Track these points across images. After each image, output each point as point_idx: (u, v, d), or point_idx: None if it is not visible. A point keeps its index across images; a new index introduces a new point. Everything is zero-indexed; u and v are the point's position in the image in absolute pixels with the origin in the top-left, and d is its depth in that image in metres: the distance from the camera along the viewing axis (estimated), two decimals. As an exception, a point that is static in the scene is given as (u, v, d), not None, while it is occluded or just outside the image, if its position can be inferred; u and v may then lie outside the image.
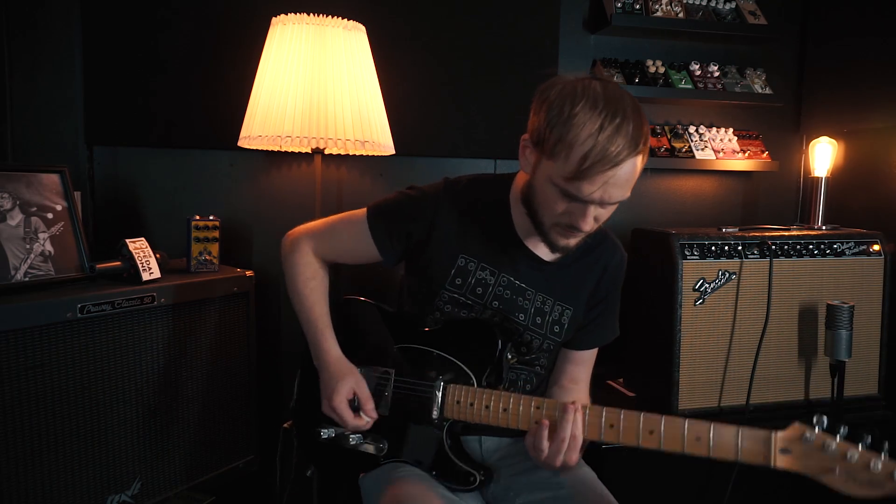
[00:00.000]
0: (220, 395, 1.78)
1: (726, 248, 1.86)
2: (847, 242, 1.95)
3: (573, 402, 1.09)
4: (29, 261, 1.50)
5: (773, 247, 1.88)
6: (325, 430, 1.32)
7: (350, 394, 1.26)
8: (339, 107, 1.72)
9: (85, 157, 1.99)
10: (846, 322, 1.81)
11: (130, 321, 1.56)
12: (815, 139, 2.33)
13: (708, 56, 2.41)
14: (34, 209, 1.55)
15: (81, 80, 1.95)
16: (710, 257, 1.85)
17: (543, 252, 1.30)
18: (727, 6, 2.34)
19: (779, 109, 2.47)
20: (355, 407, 1.27)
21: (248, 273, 1.84)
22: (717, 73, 2.36)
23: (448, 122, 2.19)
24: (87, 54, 1.94)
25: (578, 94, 1.07)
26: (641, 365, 2.01)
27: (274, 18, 1.77)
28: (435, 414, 1.23)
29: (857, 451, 0.95)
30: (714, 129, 2.42)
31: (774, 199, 2.57)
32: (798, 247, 1.91)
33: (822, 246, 1.93)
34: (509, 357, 1.29)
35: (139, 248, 1.64)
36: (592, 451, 1.76)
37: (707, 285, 1.85)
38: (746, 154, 2.39)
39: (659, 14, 2.26)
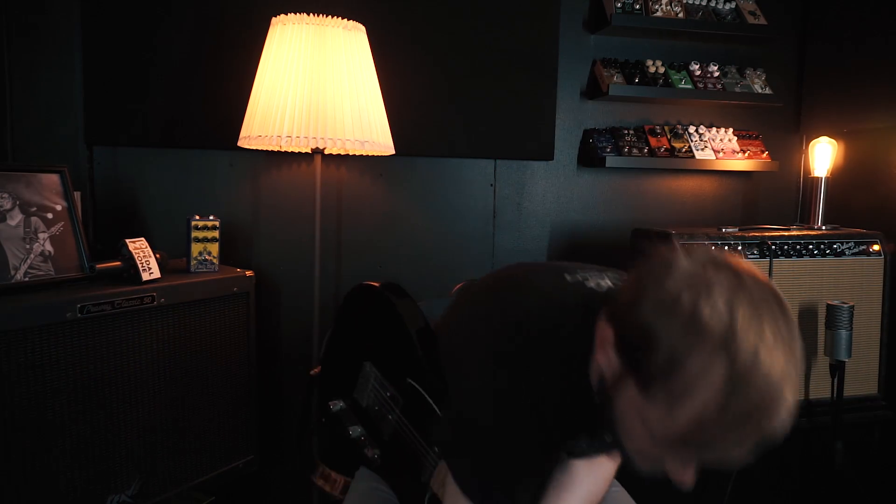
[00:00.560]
0: (219, 395, 1.78)
1: (726, 248, 1.86)
2: (847, 242, 1.94)
3: None
4: (29, 261, 1.50)
5: (773, 247, 1.88)
6: (334, 407, 1.30)
7: None
8: (339, 107, 1.72)
9: (85, 157, 1.99)
10: (846, 322, 1.81)
11: (130, 321, 1.56)
12: (815, 139, 2.33)
13: (708, 56, 2.41)
14: (34, 209, 1.55)
15: (81, 80, 1.95)
16: (709, 257, 1.85)
17: None
18: (727, 6, 2.34)
19: (779, 109, 2.47)
20: None
21: (248, 273, 1.84)
22: (717, 73, 2.36)
23: (448, 122, 2.19)
24: (87, 55, 1.94)
25: (705, 323, 0.69)
26: (641, 365, 2.01)
27: (274, 18, 1.77)
28: (423, 478, 1.08)
29: None
30: (714, 129, 2.42)
31: (774, 199, 2.57)
32: (798, 247, 1.91)
33: (822, 246, 1.93)
34: None
35: (139, 248, 1.64)
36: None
37: (707, 285, 1.85)
38: (746, 154, 2.39)
39: (659, 14, 2.26)
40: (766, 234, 1.92)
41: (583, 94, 2.38)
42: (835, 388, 1.87)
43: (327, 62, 1.72)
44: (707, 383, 0.68)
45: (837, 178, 2.33)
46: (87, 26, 1.93)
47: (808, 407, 1.93)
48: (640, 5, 2.25)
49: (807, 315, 1.93)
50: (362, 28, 1.83)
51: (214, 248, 1.79)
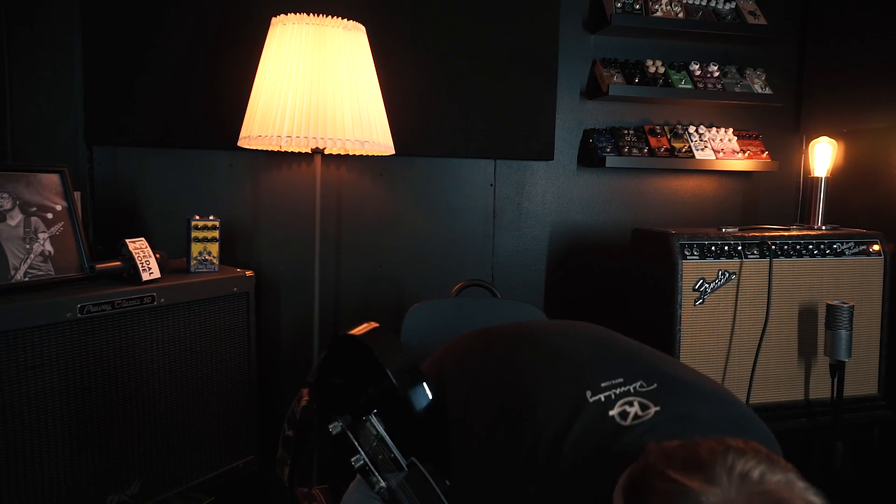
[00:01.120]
0: (220, 395, 1.78)
1: (726, 248, 1.86)
2: (847, 242, 1.94)
3: None
4: (29, 261, 1.50)
5: (773, 247, 1.88)
6: (333, 426, 1.26)
7: None
8: (339, 107, 1.72)
9: (85, 157, 1.99)
10: (846, 322, 1.81)
11: (130, 321, 1.56)
12: (814, 139, 2.32)
13: (708, 56, 2.41)
14: (34, 209, 1.55)
15: (81, 80, 1.95)
16: (709, 257, 1.85)
17: None
18: (727, 6, 2.34)
19: (779, 109, 2.48)
20: None
21: (248, 273, 1.84)
22: (716, 73, 2.36)
23: (448, 122, 2.19)
24: (87, 54, 1.94)
25: None
26: (641, 365, 2.01)
27: (274, 18, 1.77)
28: None
29: None
30: (714, 129, 2.42)
31: (774, 199, 2.57)
32: (798, 247, 1.91)
33: (822, 246, 1.93)
34: None
35: (139, 248, 1.64)
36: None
37: (707, 285, 1.85)
38: (746, 154, 2.39)
39: (659, 14, 2.26)
40: (766, 234, 1.92)
41: (583, 94, 2.38)
42: (835, 388, 1.87)
43: (327, 62, 1.72)
44: None
45: (837, 178, 2.33)
46: (87, 26, 1.93)
47: (808, 407, 1.93)
48: (640, 5, 2.25)
49: (807, 315, 1.93)
50: (362, 28, 1.83)
51: (214, 248, 1.79)
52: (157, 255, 1.67)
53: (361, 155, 2.08)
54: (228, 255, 1.96)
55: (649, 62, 2.31)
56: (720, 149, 2.38)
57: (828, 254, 1.93)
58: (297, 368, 2.18)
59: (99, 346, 1.50)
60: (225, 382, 1.79)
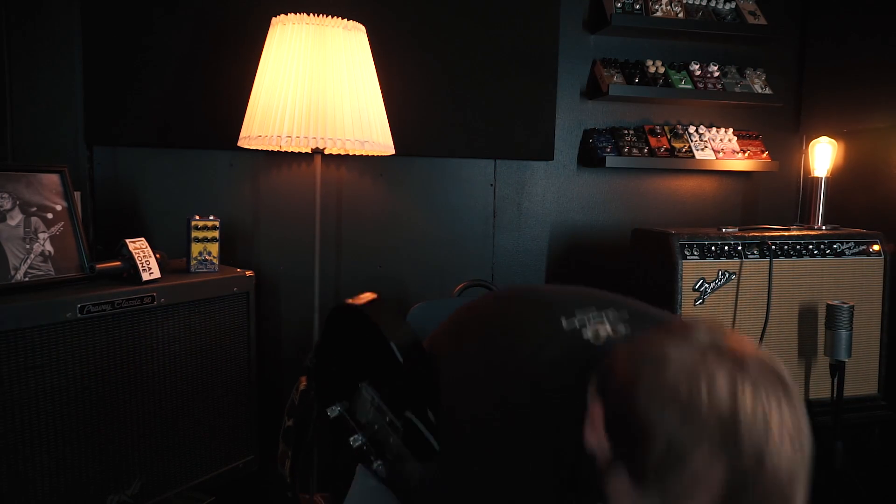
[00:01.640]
0: (220, 395, 1.78)
1: (726, 248, 1.86)
2: (847, 242, 1.94)
3: None
4: (29, 261, 1.50)
5: (773, 247, 1.88)
6: (331, 410, 1.25)
7: None
8: (339, 107, 1.72)
9: (85, 157, 1.99)
10: (846, 322, 1.81)
11: (130, 321, 1.56)
12: (814, 139, 2.33)
13: (708, 56, 2.41)
14: (34, 209, 1.55)
15: (81, 80, 1.95)
16: (709, 257, 1.85)
17: None
18: (727, 6, 2.34)
19: (779, 109, 2.48)
20: None
21: (248, 273, 1.84)
22: (716, 73, 2.36)
23: (448, 122, 2.19)
24: (87, 55, 1.94)
25: (716, 412, 0.64)
26: (641, 365, 2.01)
27: (274, 18, 1.77)
28: None
29: None
30: (714, 129, 2.42)
31: (774, 199, 2.57)
32: (798, 247, 1.91)
33: (822, 246, 1.93)
34: None
35: (139, 248, 1.64)
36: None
37: (707, 285, 1.85)
38: (746, 154, 2.39)
39: (659, 14, 2.26)
40: (766, 234, 1.92)
41: (583, 94, 2.38)
42: (835, 388, 1.86)
43: (327, 62, 1.72)
44: (708, 485, 0.63)
45: (837, 178, 2.33)
46: (87, 26, 1.93)
47: (808, 407, 1.93)
48: (640, 5, 2.25)
49: (807, 315, 1.93)
50: (362, 28, 1.83)
51: (214, 248, 1.79)
52: (157, 255, 1.67)
53: (361, 155, 2.08)
54: (228, 255, 1.96)
55: (649, 62, 2.31)
56: (720, 149, 2.38)
57: (828, 254, 1.93)
58: (297, 368, 2.18)
59: (99, 346, 1.50)
60: (225, 382, 1.79)
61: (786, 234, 1.93)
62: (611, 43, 2.38)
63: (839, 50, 2.37)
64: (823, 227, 2.05)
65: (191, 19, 2.00)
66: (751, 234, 1.91)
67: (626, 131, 2.33)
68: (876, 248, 1.96)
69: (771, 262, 1.87)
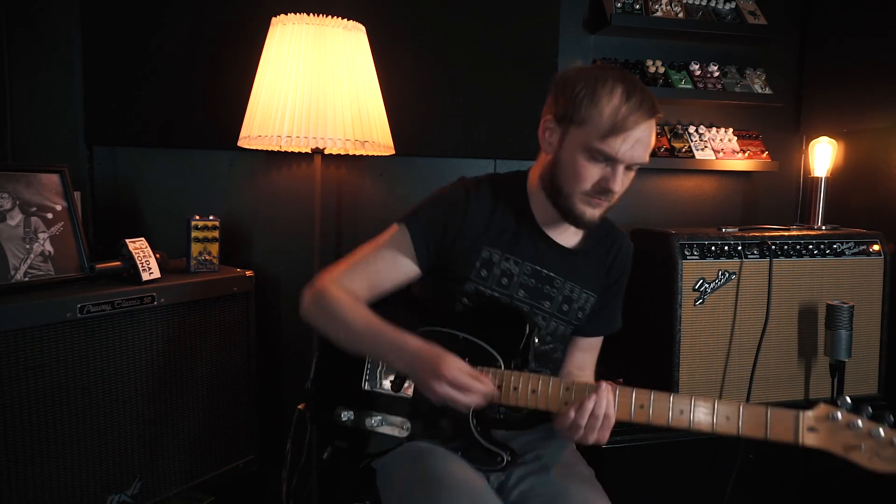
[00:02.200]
0: (219, 395, 1.78)
1: (726, 248, 1.86)
2: (847, 242, 1.95)
3: (606, 382, 1.13)
4: (29, 261, 1.50)
5: (773, 247, 1.88)
6: (345, 413, 1.32)
7: (464, 364, 1.17)
8: (339, 107, 1.72)
9: (85, 157, 1.99)
10: (846, 322, 1.81)
11: (130, 321, 1.56)
12: (815, 139, 2.32)
13: (708, 56, 2.41)
14: (34, 209, 1.55)
15: (81, 80, 1.95)
16: (709, 257, 1.85)
17: (564, 239, 1.36)
18: (727, 6, 2.34)
19: (779, 109, 2.47)
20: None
21: (248, 273, 1.84)
22: (716, 73, 2.36)
23: (448, 122, 2.19)
24: (87, 54, 1.94)
25: (599, 73, 1.23)
26: (641, 365, 2.01)
27: (274, 18, 1.77)
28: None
29: (882, 428, 1.01)
30: (714, 129, 2.42)
31: (774, 199, 2.57)
32: (798, 247, 1.91)
33: (822, 246, 1.93)
34: (536, 342, 1.30)
35: (139, 248, 1.64)
36: (591, 451, 1.76)
37: (707, 285, 1.85)
38: (746, 154, 2.39)
39: (659, 14, 2.26)
40: (766, 234, 1.92)
41: (583, 94, 2.37)
42: (835, 388, 1.87)
43: (327, 62, 1.72)
44: (612, 90, 1.20)
45: (837, 178, 2.33)
46: (87, 26, 1.94)
47: (808, 407, 1.93)
48: (640, 5, 2.25)
49: (807, 315, 1.93)
50: (362, 28, 1.83)
51: (214, 248, 1.80)
52: (157, 255, 1.67)
53: (361, 155, 2.08)
54: (228, 255, 1.96)
55: (649, 62, 2.31)
56: (720, 149, 2.38)
57: (828, 254, 1.93)
58: (297, 368, 2.18)
59: (99, 346, 1.50)
60: (225, 382, 1.79)
61: (786, 234, 1.93)
62: (611, 43, 2.38)
63: (839, 50, 2.37)
64: (823, 227, 2.05)
65: (191, 19, 2.00)
66: (751, 234, 1.91)
67: (626, 131, 2.33)
68: (876, 248, 1.96)
69: (771, 262, 1.87)
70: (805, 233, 1.94)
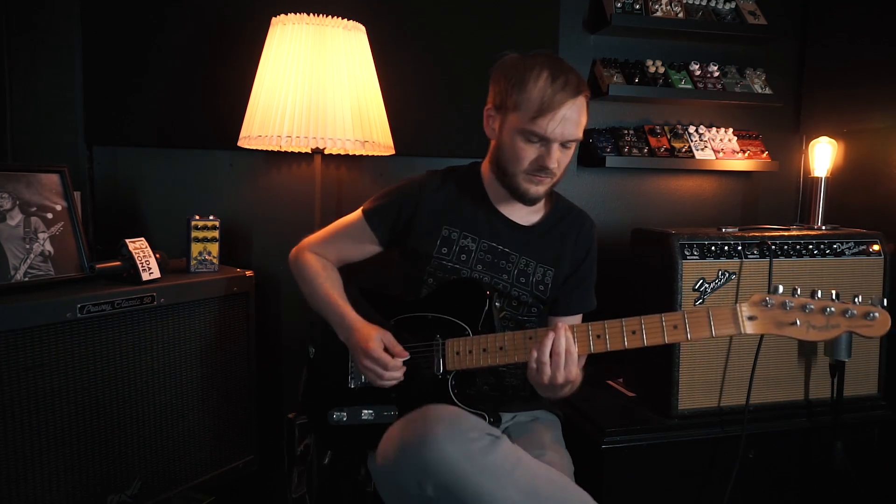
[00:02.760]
0: (219, 395, 1.78)
1: (726, 248, 1.86)
2: (847, 242, 1.94)
3: (560, 323, 1.24)
4: (29, 261, 1.50)
5: (773, 247, 1.88)
6: (337, 413, 1.40)
7: (381, 343, 1.34)
8: (339, 107, 1.72)
9: (85, 157, 1.99)
10: (846, 322, 1.81)
11: (130, 321, 1.56)
12: (815, 139, 2.32)
13: (708, 56, 2.41)
14: (34, 209, 1.55)
15: (81, 80, 1.95)
16: (709, 257, 1.85)
17: (519, 217, 1.49)
18: (727, 6, 2.34)
19: (779, 109, 2.47)
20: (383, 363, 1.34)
21: (248, 273, 1.84)
22: (716, 73, 2.36)
23: (448, 122, 2.19)
24: (87, 54, 1.94)
25: (528, 61, 1.36)
26: (641, 365, 2.01)
27: (274, 18, 1.77)
28: (439, 369, 1.34)
29: (812, 302, 1.12)
30: (714, 129, 2.42)
31: (774, 199, 2.57)
32: (798, 247, 1.91)
33: (822, 246, 1.93)
34: (498, 306, 1.42)
35: (139, 248, 1.64)
36: (591, 451, 1.76)
37: (707, 285, 1.85)
38: (746, 154, 2.39)
39: (659, 14, 2.26)
40: (766, 234, 1.92)
41: (583, 94, 2.37)
42: (835, 388, 1.86)
43: (327, 62, 1.72)
44: (538, 75, 1.32)
45: (837, 178, 2.33)
46: (87, 26, 1.94)
47: (808, 407, 1.93)
48: (640, 5, 2.25)
49: (807, 315, 1.93)
50: (362, 28, 1.83)
51: (214, 248, 1.80)
52: (157, 255, 1.67)
53: (361, 155, 2.08)
54: (228, 255, 1.96)
55: (649, 62, 2.31)
56: (720, 149, 2.38)
57: (828, 254, 1.93)
58: (297, 368, 2.18)
59: (99, 346, 1.50)
60: (225, 382, 1.79)
61: (786, 234, 1.93)
62: (611, 43, 2.38)
63: (839, 50, 2.37)
64: (823, 227, 2.05)
65: (191, 19, 2.00)
66: (751, 234, 1.91)
67: (625, 131, 2.33)
68: (876, 248, 1.96)
69: (771, 262, 1.87)
70: (805, 233, 1.94)
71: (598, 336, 1.23)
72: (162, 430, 1.64)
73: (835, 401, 1.87)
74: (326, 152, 1.87)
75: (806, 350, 1.94)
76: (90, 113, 1.96)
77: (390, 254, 1.58)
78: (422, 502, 1.11)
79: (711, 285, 1.85)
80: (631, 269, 2.05)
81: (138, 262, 1.61)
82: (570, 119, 1.32)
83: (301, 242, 1.60)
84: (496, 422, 1.33)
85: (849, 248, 1.95)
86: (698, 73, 2.35)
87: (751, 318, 1.15)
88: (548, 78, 1.31)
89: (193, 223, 1.76)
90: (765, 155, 2.40)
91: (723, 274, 1.86)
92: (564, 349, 1.20)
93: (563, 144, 1.35)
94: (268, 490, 2.15)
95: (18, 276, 1.47)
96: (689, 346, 1.85)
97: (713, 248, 1.86)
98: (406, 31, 2.13)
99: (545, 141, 1.33)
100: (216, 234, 1.79)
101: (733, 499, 1.82)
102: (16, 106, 1.89)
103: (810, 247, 1.92)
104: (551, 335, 1.21)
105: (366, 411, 1.39)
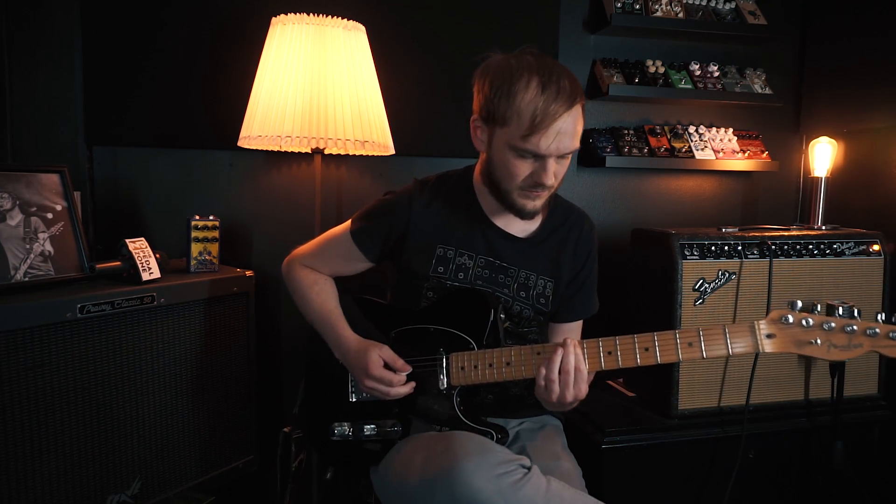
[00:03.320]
0: (219, 396, 1.78)
1: (726, 248, 1.86)
2: (847, 242, 1.94)
3: (569, 339, 1.17)
4: (29, 261, 1.50)
5: (773, 247, 1.88)
6: (338, 428, 1.37)
7: (380, 361, 1.30)
8: (339, 107, 1.72)
9: (85, 157, 1.99)
10: (846, 322, 1.81)
11: (130, 321, 1.56)
12: (815, 139, 2.32)
13: (708, 56, 2.41)
14: (34, 209, 1.55)
15: (81, 80, 1.95)
16: (709, 257, 1.85)
17: (515, 229, 1.41)
18: (727, 6, 2.34)
19: (779, 109, 2.47)
20: (387, 381, 1.30)
21: (248, 273, 1.84)
22: (716, 73, 2.36)
23: (448, 122, 2.19)
24: (87, 54, 1.94)
25: (514, 66, 1.22)
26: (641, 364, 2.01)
27: (274, 18, 1.77)
28: (443, 384, 1.29)
29: (833, 320, 1.08)
30: (714, 129, 2.42)
31: (774, 199, 2.57)
32: (798, 247, 1.91)
33: (822, 246, 1.93)
34: (502, 318, 1.34)
35: (139, 248, 1.64)
36: (592, 451, 1.76)
37: (707, 285, 1.85)
38: (746, 154, 2.39)
39: (659, 14, 2.26)
40: (766, 234, 1.92)
41: (583, 94, 2.38)
42: (835, 388, 1.87)
43: (327, 62, 1.72)
44: (528, 84, 1.19)
45: (837, 178, 2.33)
46: (87, 26, 1.93)
47: (808, 407, 1.93)
48: (640, 5, 2.25)
49: (807, 315, 1.93)
50: (362, 28, 1.83)
51: (214, 248, 1.80)
52: (157, 255, 1.67)
53: (362, 155, 2.08)
54: (228, 255, 1.96)
55: (649, 62, 2.31)
56: (720, 149, 2.38)
57: (828, 254, 1.93)
58: (297, 368, 2.18)
59: (99, 346, 1.50)
60: (225, 382, 1.79)
61: (786, 234, 1.93)
62: (611, 43, 2.38)
63: (839, 50, 2.37)
64: (823, 227, 2.05)
65: (191, 19, 2.00)
66: (751, 234, 1.91)
67: (625, 131, 2.33)
68: (876, 248, 1.96)
69: (771, 262, 1.87)
70: (805, 233, 1.94)
71: (609, 353, 1.17)
72: (162, 429, 1.64)
73: (835, 401, 1.87)
74: (326, 152, 1.87)
75: (806, 350, 1.94)
76: (90, 113, 1.96)
77: (384, 266, 1.54)
78: None
79: (711, 285, 1.85)
80: (631, 269, 2.05)
81: (138, 262, 1.61)
82: (566, 132, 1.20)
83: (292, 254, 1.55)
84: (503, 438, 1.29)
85: (849, 249, 1.95)
86: (698, 73, 2.35)
87: (769, 336, 1.10)
88: (538, 87, 1.18)
89: (193, 223, 1.76)
90: (765, 155, 2.41)
91: (723, 274, 1.86)
92: (574, 367, 1.14)
93: (561, 156, 1.25)
94: (268, 490, 2.15)
95: (18, 276, 1.47)
96: (689, 346, 1.85)
97: (713, 248, 1.86)
98: (406, 31, 2.13)
99: (540, 157, 1.22)
100: (216, 234, 1.79)
101: (733, 499, 1.82)
102: (16, 106, 1.88)
103: (810, 247, 1.92)
104: (560, 352, 1.15)
105: (368, 426, 1.35)
